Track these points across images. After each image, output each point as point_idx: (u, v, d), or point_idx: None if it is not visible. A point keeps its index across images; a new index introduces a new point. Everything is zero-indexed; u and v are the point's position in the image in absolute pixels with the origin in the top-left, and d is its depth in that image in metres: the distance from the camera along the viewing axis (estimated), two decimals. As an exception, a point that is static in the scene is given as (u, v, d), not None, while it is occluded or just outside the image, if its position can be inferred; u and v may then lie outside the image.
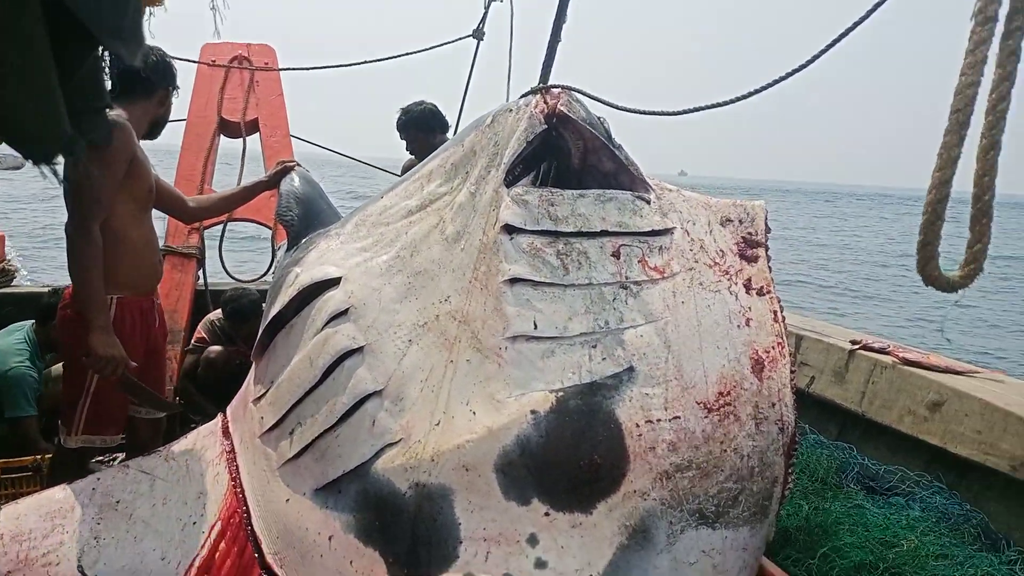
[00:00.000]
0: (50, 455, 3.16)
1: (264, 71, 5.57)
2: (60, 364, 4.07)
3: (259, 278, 5.51)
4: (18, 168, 2.12)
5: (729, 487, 1.67)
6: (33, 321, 3.88)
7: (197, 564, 1.84)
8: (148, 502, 1.95)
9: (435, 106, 4.52)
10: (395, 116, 4.61)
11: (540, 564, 1.60)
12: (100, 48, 1.26)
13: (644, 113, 2.09)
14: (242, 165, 5.45)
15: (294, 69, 5.80)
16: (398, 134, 4.55)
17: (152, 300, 2.74)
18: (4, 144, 2.03)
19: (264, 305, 4.24)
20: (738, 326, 1.78)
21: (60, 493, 1.93)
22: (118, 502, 1.93)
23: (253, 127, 5.54)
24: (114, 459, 3.08)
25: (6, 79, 1.06)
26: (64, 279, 2.70)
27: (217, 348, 4.25)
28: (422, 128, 4.42)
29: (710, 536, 1.66)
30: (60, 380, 3.92)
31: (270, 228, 5.31)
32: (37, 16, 1.05)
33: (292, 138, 5.53)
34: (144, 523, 1.90)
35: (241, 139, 5.53)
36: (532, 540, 1.60)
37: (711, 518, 1.65)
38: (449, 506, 1.63)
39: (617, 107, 2.11)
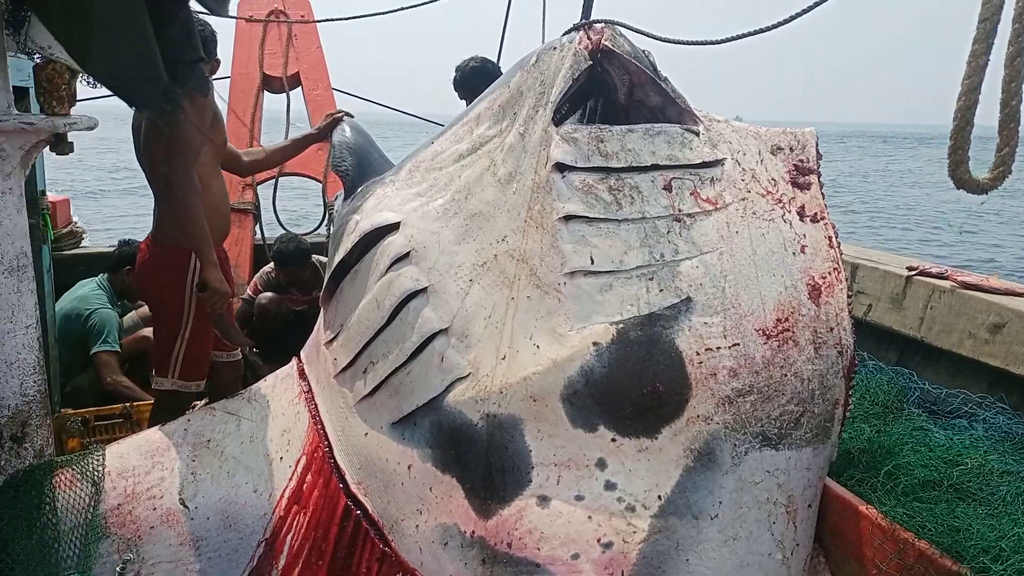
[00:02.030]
0: (137, 402, 3.37)
1: (301, 24, 5.58)
2: (129, 314, 4.28)
3: (313, 231, 5.64)
4: (91, 129, 2.21)
5: (791, 410, 1.72)
6: (105, 273, 4.06)
7: (287, 495, 1.98)
8: (236, 440, 2.09)
9: (487, 61, 4.39)
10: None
11: (609, 486, 1.68)
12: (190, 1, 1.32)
13: (689, 43, 2.07)
14: (288, 120, 5.53)
15: (330, 20, 5.80)
16: (456, 93, 4.43)
17: (224, 250, 2.86)
18: (76, 106, 2.13)
19: (310, 253, 4.37)
20: (793, 253, 1.80)
21: (156, 434, 2.09)
22: (209, 440, 2.07)
23: (295, 81, 5.59)
24: (193, 407, 3.26)
25: (108, 30, 1.13)
26: (129, 235, 2.84)
27: (268, 295, 4.32)
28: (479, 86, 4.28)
29: (774, 457, 1.72)
30: (131, 329, 4.14)
31: (319, 182, 5.41)
32: None
33: (334, 91, 5.57)
34: (235, 459, 2.05)
35: (284, 94, 5.59)
36: (601, 464, 1.69)
37: (774, 440, 1.71)
38: (520, 434, 1.72)
39: (661, 39, 2.10)
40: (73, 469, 1.90)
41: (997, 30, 1.50)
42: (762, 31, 1.84)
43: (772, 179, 1.89)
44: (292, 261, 4.27)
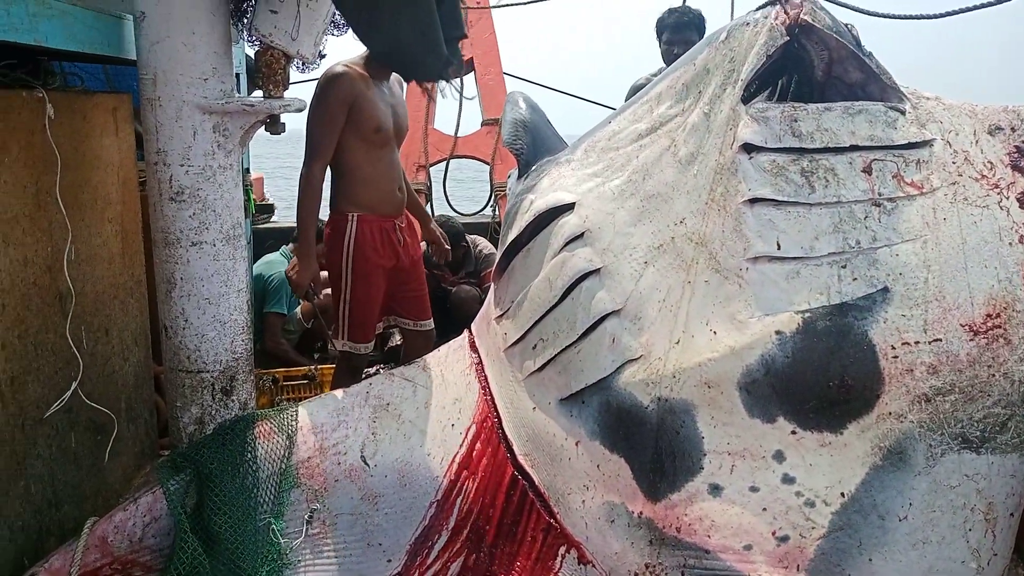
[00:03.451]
0: (324, 366, 3.64)
1: (477, 10, 5.72)
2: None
3: (479, 211, 5.81)
4: (301, 111, 2.43)
5: (997, 412, 1.58)
6: (292, 243, 4.41)
7: (458, 460, 2.06)
8: (412, 405, 2.20)
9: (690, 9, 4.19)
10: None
11: (788, 479, 1.62)
12: None
13: (899, 18, 1.93)
14: (460, 106, 5.72)
15: (505, 5, 5.91)
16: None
17: (394, 222, 3.01)
18: (288, 89, 2.30)
19: (463, 235, 4.49)
20: (1010, 243, 1.65)
21: (342, 394, 2.24)
22: (388, 404, 2.19)
23: (469, 66, 5.75)
24: (377, 372, 3.47)
25: (395, 7, 1.21)
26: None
27: None
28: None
29: (974, 461, 1.60)
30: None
31: (488, 163, 5.55)
32: None
33: (505, 75, 5.69)
34: (411, 423, 2.16)
35: (457, 78, 5.77)
36: (778, 456, 1.63)
37: (976, 443, 1.59)
38: (692, 420, 1.69)
39: (866, 12, 1.97)
40: (271, 422, 2.08)
41: None
42: (990, 4, 1.68)
43: (988, 162, 1.72)
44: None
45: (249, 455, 1.99)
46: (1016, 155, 1.74)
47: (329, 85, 2.71)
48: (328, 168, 2.86)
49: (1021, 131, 1.76)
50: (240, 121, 2.13)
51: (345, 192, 2.91)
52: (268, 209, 5.32)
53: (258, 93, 2.33)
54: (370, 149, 2.87)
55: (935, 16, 1.82)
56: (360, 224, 2.88)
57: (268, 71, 2.21)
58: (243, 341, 2.22)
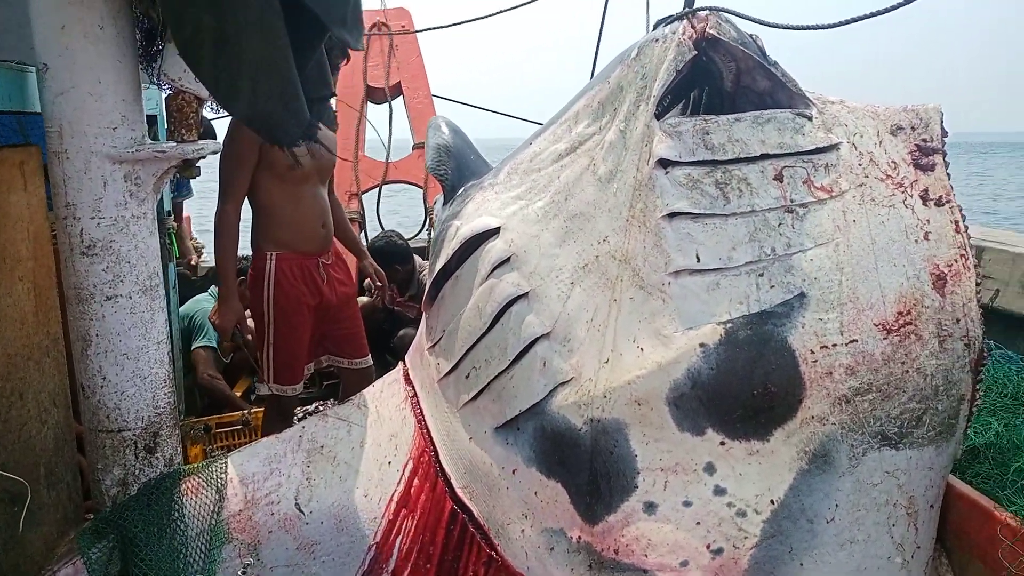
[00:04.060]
0: (257, 410, 3.55)
1: (402, 34, 5.72)
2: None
3: (415, 236, 5.77)
4: (217, 153, 2.41)
5: (912, 407, 1.61)
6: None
7: (396, 499, 2.01)
8: (347, 446, 2.15)
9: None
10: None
11: (719, 491, 1.62)
12: (327, 38, 1.36)
13: (799, 28, 1.97)
14: (390, 130, 5.69)
15: (430, 29, 5.91)
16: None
17: (317, 260, 2.96)
18: (201, 132, 2.24)
19: (407, 251, 4.46)
20: (916, 241, 1.68)
21: (273, 441, 2.17)
22: (322, 447, 2.14)
23: (397, 91, 5.73)
24: (317, 409, 3.40)
25: (254, 70, 1.18)
26: (247, 250, 3.04)
27: (361, 299, 4.47)
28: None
29: (894, 457, 1.62)
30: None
31: (421, 188, 5.53)
32: (277, 10, 1.15)
33: (434, 98, 5.68)
34: (347, 464, 2.10)
35: (386, 104, 5.75)
36: (709, 468, 1.63)
37: (894, 439, 1.61)
38: (624, 439, 1.68)
39: (768, 24, 2.01)
40: (199, 477, 2.01)
41: None
42: (879, 13, 1.72)
43: (892, 162, 1.76)
44: (380, 256, 4.38)
45: (176, 514, 1.92)
46: (917, 153, 1.79)
47: (239, 124, 2.66)
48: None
49: (920, 130, 1.81)
50: (152, 168, 2.07)
51: (263, 231, 2.86)
52: (195, 251, 5.20)
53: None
54: (287, 187, 2.82)
55: (829, 26, 1.88)
56: (279, 263, 2.83)
57: (180, 115, 2.16)
58: (166, 395, 2.14)
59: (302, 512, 2.03)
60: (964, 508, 1.83)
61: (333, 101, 5.48)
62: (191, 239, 5.31)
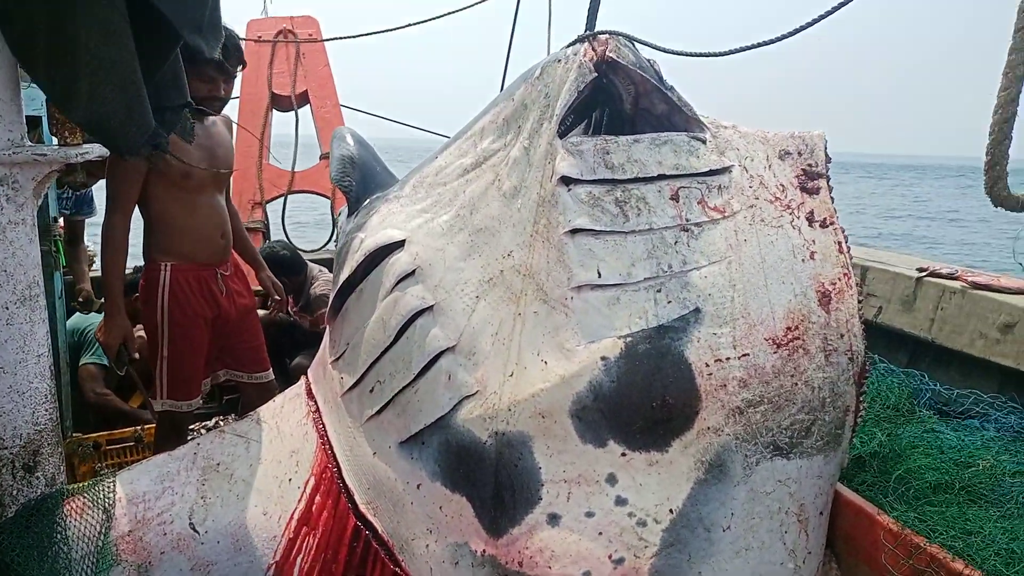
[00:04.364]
0: (150, 426, 3.38)
1: (309, 43, 5.63)
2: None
3: (321, 247, 5.67)
4: (103, 158, 2.27)
5: (801, 419, 1.69)
6: None
7: (296, 517, 1.97)
8: (245, 463, 2.08)
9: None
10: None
11: (620, 501, 1.66)
12: (181, 44, 1.30)
13: (693, 55, 2.06)
14: (296, 138, 5.58)
15: (338, 39, 5.85)
16: None
17: (215, 271, 2.86)
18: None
19: (293, 261, 4.36)
20: (802, 260, 1.78)
21: (166, 458, 2.08)
22: (218, 464, 2.06)
23: (303, 99, 5.63)
24: (216, 425, 3.28)
25: (93, 71, 1.12)
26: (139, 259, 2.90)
27: (262, 312, 4.36)
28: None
29: (785, 466, 1.70)
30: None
31: (328, 198, 5.44)
32: (123, 12, 1.09)
33: (342, 107, 5.61)
34: (244, 482, 2.04)
35: (292, 112, 5.64)
36: (611, 479, 1.67)
37: (785, 449, 1.69)
38: (529, 452, 1.70)
39: (665, 50, 2.09)
40: (84, 497, 1.90)
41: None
42: (767, 43, 1.83)
43: (780, 185, 1.86)
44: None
45: (59, 536, 1.81)
46: (803, 177, 1.89)
47: None
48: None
49: (806, 155, 1.92)
50: (31, 172, 1.95)
51: (157, 242, 2.75)
52: (87, 260, 4.91)
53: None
54: (181, 196, 2.72)
55: (722, 54, 1.97)
56: (174, 274, 2.73)
57: (62, 117, 2.04)
58: (47, 411, 2.01)
59: (197, 532, 1.95)
60: (851, 514, 1.92)
61: (237, 106, 5.35)
62: (85, 248, 5.00)
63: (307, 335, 4.33)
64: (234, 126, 3.21)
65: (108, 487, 1.93)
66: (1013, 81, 1.50)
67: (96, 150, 2.08)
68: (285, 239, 4.95)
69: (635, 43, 1.92)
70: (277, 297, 3.33)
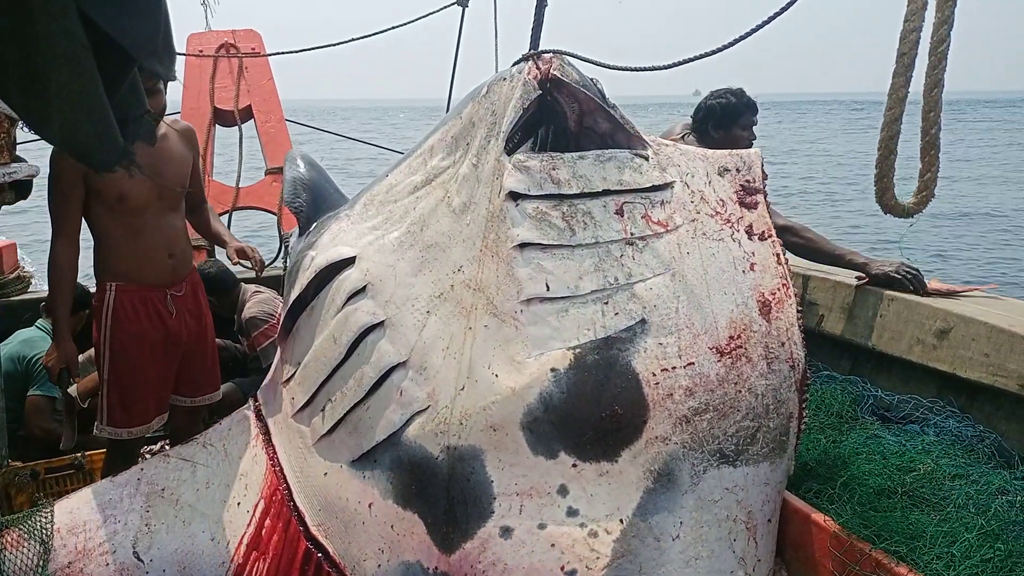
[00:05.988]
0: (91, 451, 3.27)
1: (252, 57, 5.56)
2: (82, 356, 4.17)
3: (270, 263, 5.57)
4: (33, 176, 2.21)
5: (746, 426, 1.74)
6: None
7: (246, 542, 1.93)
8: (191, 487, 2.03)
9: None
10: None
11: (572, 512, 1.68)
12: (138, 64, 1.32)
13: (635, 70, 2.12)
14: (240, 152, 5.49)
15: (281, 53, 5.79)
16: None
17: (165, 292, 2.79)
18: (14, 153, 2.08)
19: (227, 279, 4.28)
20: (743, 271, 1.83)
21: (107, 485, 2.02)
22: (163, 489, 2.01)
23: (247, 114, 5.55)
24: (161, 448, 3.19)
25: (64, 102, 1.13)
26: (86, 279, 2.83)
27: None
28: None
29: (732, 474, 1.73)
30: (84, 370, 4.03)
31: (275, 214, 5.36)
32: (85, 44, 1.12)
33: (288, 122, 5.55)
34: (191, 507, 1.99)
35: (236, 127, 5.55)
36: (562, 491, 1.68)
37: (731, 457, 1.73)
38: (481, 465, 1.71)
39: (608, 66, 2.14)
40: (20, 529, 1.83)
41: (915, 64, 1.58)
42: (707, 55, 1.89)
43: (720, 200, 1.92)
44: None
45: (-7, 571, 1.74)
46: (742, 192, 1.96)
47: (59, 154, 2.48)
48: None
49: (744, 171, 1.99)
50: (-42, 192, 1.90)
51: (102, 262, 2.69)
52: (22, 280, 4.73)
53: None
54: (121, 217, 2.65)
55: (665, 67, 2.03)
56: (119, 295, 2.66)
57: None
58: (-22, 440, 1.94)
59: (141, 561, 1.89)
60: (799, 521, 1.96)
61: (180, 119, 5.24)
62: (19, 268, 4.82)
63: (237, 360, 4.23)
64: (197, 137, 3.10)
65: (45, 517, 1.87)
66: (896, 102, 1.61)
67: (24, 170, 2.03)
68: (211, 259, 4.79)
69: (580, 60, 1.96)
70: (257, 256, 3.13)
